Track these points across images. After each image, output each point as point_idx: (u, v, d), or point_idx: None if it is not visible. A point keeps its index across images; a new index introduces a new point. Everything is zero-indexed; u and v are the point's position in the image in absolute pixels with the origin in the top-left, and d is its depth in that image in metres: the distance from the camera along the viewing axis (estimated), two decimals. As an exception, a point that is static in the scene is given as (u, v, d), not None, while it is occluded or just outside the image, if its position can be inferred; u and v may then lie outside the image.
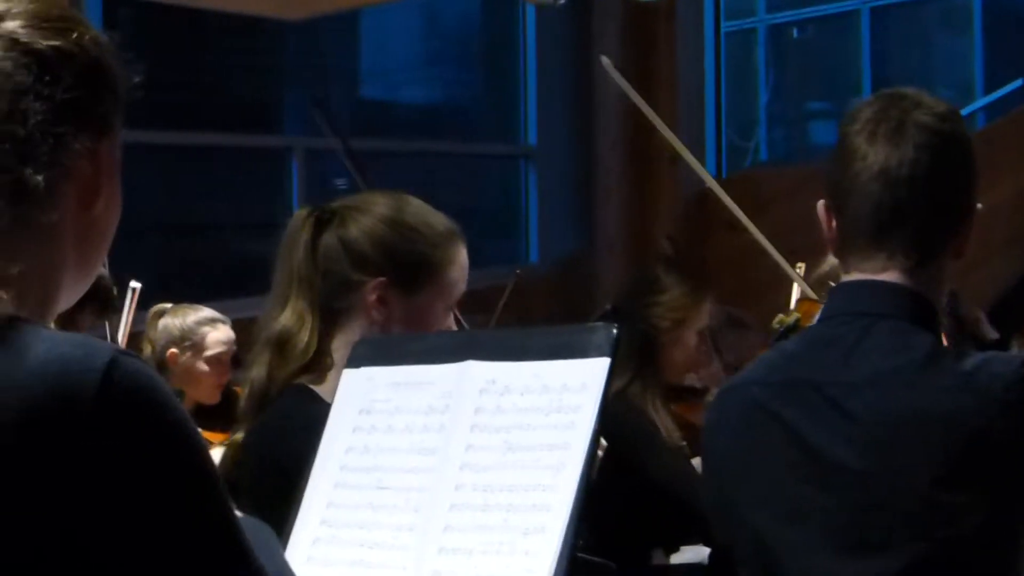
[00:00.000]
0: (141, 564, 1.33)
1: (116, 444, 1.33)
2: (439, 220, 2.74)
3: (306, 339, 2.63)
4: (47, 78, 1.46)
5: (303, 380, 2.62)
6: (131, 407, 1.34)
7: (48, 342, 1.36)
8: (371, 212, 2.70)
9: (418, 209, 2.74)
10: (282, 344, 2.64)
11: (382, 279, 2.66)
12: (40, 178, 1.44)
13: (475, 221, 9.59)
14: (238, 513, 1.44)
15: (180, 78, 8.55)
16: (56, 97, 1.46)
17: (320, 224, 2.70)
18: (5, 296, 1.38)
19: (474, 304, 3.20)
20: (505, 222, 10.80)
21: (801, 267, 4.68)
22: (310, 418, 1.93)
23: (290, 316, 2.66)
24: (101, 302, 5.02)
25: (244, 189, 9.66)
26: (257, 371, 2.66)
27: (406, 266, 2.67)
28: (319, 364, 2.63)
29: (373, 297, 2.66)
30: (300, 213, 2.75)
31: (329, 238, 2.69)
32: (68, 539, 1.31)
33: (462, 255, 2.73)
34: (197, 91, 9.30)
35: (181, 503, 1.36)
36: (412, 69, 11.27)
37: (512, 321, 6.89)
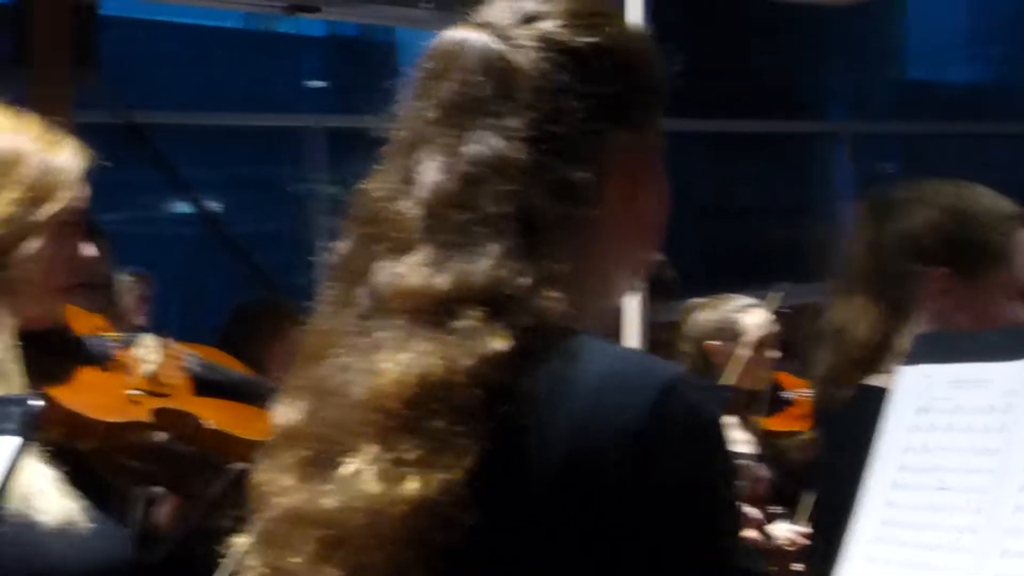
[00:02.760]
0: None
1: (659, 468, 1.33)
2: (1004, 205, 2.64)
3: (866, 332, 2.60)
4: (585, 75, 1.47)
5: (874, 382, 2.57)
6: (680, 434, 1.35)
7: (607, 357, 1.38)
8: (932, 202, 2.63)
9: (980, 196, 2.65)
10: (842, 337, 2.62)
11: (944, 269, 2.59)
12: (583, 175, 1.45)
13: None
14: None
15: (723, 65, 8.59)
16: (595, 94, 1.47)
17: (880, 216, 2.66)
18: (560, 296, 1.40)
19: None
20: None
21: None
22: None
23: (851, 309, 2.64)
24: (661, 290, 5.05)
25: (782, 175, 9.62)
26: (819, 365, 2.66)
27: (968, 255, 2.58)
28: (880, 357, 2.59)
29: (935, 288, 2.59)
30: (860, 205, 2.72)
31: (890, 230, 2.64)
32: (596, 549, 1.33)
33: None
34: (738, 78, 9.33)
35: (704, 539, 1.35)
36: (958, 48, 10.89)
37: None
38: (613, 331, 3.46)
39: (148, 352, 2.30)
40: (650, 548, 1.33)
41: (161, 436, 2.23)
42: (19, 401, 1.23)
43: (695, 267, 6.25)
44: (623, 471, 1.33)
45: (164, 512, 2.32)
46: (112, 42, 7.14)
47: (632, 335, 3.84)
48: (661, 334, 5.15)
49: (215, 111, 11.40)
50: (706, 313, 5.32)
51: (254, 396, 2.34)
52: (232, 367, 2.56)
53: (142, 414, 2.20)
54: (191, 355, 2.41)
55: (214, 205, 9.47)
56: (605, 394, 1.35)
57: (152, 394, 2.26)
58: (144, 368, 2.28)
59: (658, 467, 1.33)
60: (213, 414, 2.26)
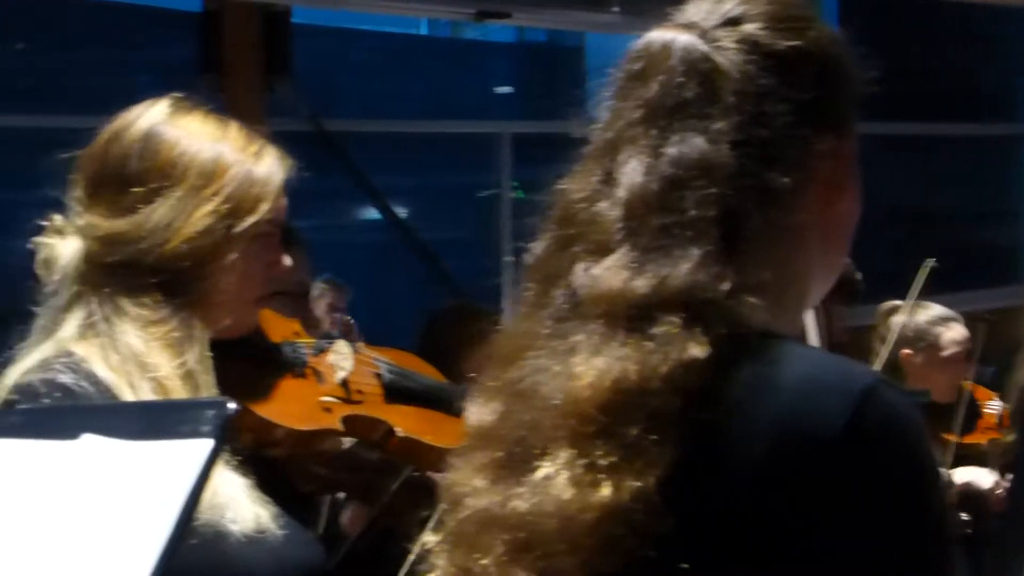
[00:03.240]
0: None
1: (857, 476, 1.31)
2: None
3: None
4: (788, 79, 1.45)
5: None
6: (879, 440, 1.32)
7: (804, 362, 1.36)
8: None
9: None
10: None
11: None
12: (786, 180, 1.43)
13: None
14: None
15: (912, 68, 8.44)
16: (798, 98, 1.45)
17: None
18: (758, 302, 1.38)
19: None
20: None
21: None
22: None
23: None
24: (848, 293, 4.98)
25: (974, 177, 9.41)
26: (1021, 370, 2.59)
27: None
28: None
29: None
30: None
31: None
32: (795, 558, 1.31)
33: None
34: (931, 80, 9.15)
35: (907, 553, 1.32)
36: None
37: None
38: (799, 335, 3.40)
39: (341, 359, 2.31)
40: (852, 556, 1.31)
41: (351, 443, 2.25)
42: (213, 404, 1.22)
43: (885, 271, 6.12)
44: (824, 478, 1.31)
45: (348, 517, 2.34)
46: (303, 50, 7.27)
47: (812, 338, 3.77)
48: (844, 338, 5.07)
49: (404, 118, 11.53)
50: (903, 319, 5.20)
51: (446, 403, 2.34)
52: (425, 372, 2.56)
53: (333, 422, 2.21)
54: (383, 361, 2.41)
55: (402, 211, 9.58)
56: (805, 399, 1.33)
57: (344, 401, 2.27)
58: (337, 375, 2.29)
59: (860, 473, 1.31)
60: (404, 421, 2.27)
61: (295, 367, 2.26)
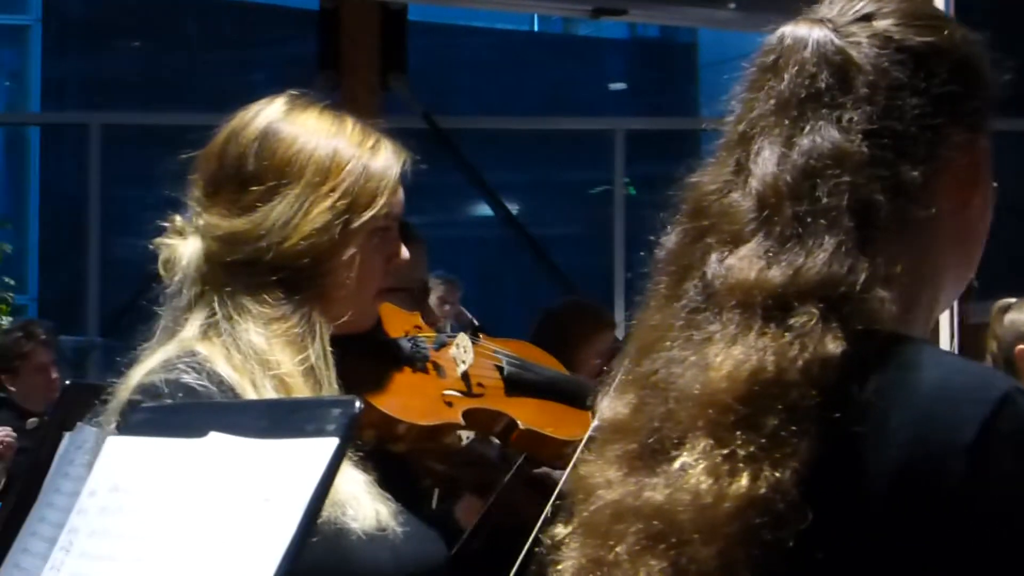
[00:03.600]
0: None
1: (988, 483, 1.28)
2: None
3: None
4: (921, 73, 1.44)
5: None
6: (1013, 449, 1.30)
7: (942, 367, 1.33)
8: None
9: None
10: None
11: None
12: (916, 173, 1.42)
13: None
14: None
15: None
16: (931, 92, 1.43)
17: None
18: (887, 296, 1.37)
19: None
20: None
21: None
22: None
23: None
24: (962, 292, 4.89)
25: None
26: None
27: None
28: None
29: None
30: None
31: None
32: (924, 564, 1.29)
33: None
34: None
35: None
36: None
37: None
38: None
39: (462, 352, 2.30)
40: (984, 565, 1.29)
41: (472, 437, 2.24)
42: (339, 403, 1.20)
43: (1000, 268, 6.02)
44: (958, 486, 1.29)
45: (463, 510, 2.34)
46: (417, 47, 7.31)
47: (944, 339, 3.72)
48: (968, 337, 4.99)
49: (516, 115, 11.56)
50: (1018, 316, 5.12)
51: (568, 394, 2.33)
52: (546, 363, 2.54)
53: (455, 416, 2.20)
54: (504, 353, 2.40)
55: (514, 207, 9.61)
56: (940, 405, 1.31)
57: (465, 395, 2.26)
58: (458, 369, 2.29)
59: (993, 483, 1.29)
60: (526, 414, 2.25)
61: (416, 361, 2.25)
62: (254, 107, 2.00)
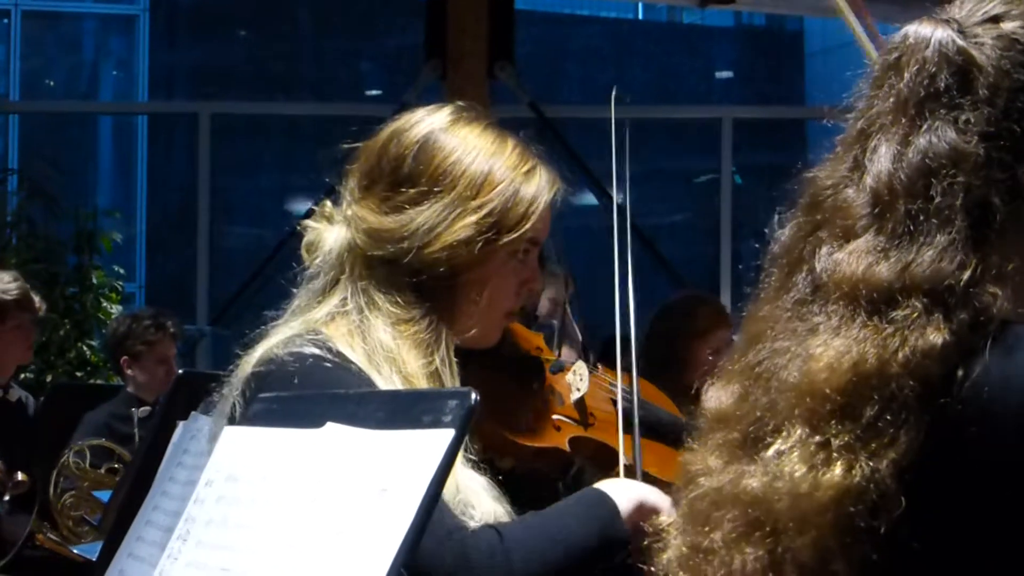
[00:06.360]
0: None
1: None
2: None
3: None
4: None
5: None
6: None
7: None
8: None
9: None
10: None
11: None
12: None
13: None
14: None
15: None
16: None
17: None
18: (1000, 292, 1.36)
19: None
20: None
21: None
22: None
23: None
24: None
25: None
26: None
27: None
28: None
29: None
30: None
31: None
32: None
33: None
34: None
35: None
36: None
37: None
38: None
39: (578, 380, 2.30)
40: None
41: (575, 465, 2.24)
42: (456, 394, 1.19)
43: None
44: None
45: None
46: (523, 36, 7.30)
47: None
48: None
49: (622, 104, 11.48)
50: None
51: (676, 437, 2.30)
52: (658, 402, 2.53)
53: (561, 441, 2.20)
54: (621, 388, 2.38)
55: (620, 196, 9.59)
56: None
57: (576, 422, 2.25)
58: (572, 395, 2.28)
59: None
60: (632, 451, 2.24)
61: (533, 382, 2.26)
62: (421, 112, 2.05)
